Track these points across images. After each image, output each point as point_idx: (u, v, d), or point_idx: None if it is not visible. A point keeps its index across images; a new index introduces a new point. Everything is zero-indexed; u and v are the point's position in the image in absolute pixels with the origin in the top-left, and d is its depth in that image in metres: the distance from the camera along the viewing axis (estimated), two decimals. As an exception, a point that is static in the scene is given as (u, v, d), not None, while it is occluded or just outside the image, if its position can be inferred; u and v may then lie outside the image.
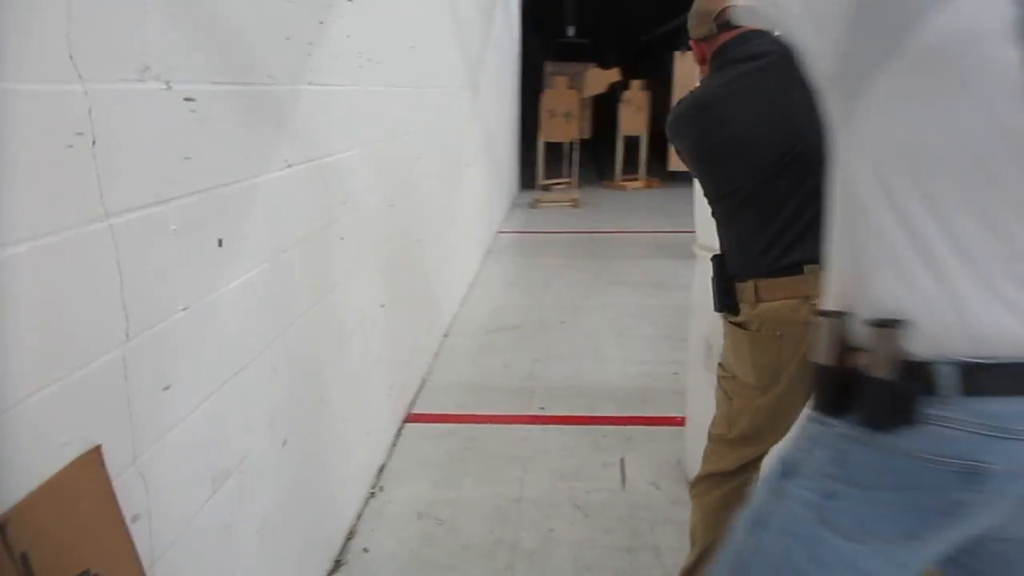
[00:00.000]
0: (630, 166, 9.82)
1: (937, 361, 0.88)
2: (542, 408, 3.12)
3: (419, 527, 2.28)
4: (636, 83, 9.33)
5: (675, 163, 6.30)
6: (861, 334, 0.93)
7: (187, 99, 1.29)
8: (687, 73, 7.61)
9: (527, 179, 9.56)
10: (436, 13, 3.74)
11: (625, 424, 2.94)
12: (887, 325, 0.90)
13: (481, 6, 5.39)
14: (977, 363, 0.87)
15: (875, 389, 0.91)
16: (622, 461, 2.66)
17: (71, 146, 1.01)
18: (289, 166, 1.76)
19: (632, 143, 9.61)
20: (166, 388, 1.24)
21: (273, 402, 1.69)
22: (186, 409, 1.30)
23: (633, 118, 9.33)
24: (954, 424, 0.88)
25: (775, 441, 1.62)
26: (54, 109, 0.98)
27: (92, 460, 1.03)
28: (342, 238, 2.17)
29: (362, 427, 2.43)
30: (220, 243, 1.42)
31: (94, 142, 1.05)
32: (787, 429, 1.52)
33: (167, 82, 1.23)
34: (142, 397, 1.16)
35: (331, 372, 2.11)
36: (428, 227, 3.56)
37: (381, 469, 2.62)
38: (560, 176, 9.41)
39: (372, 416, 2.56)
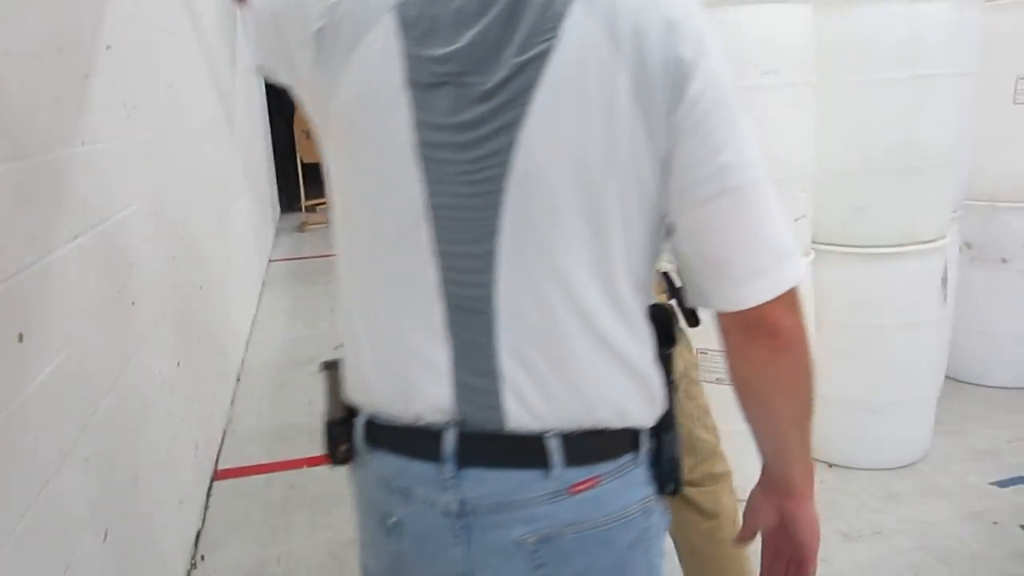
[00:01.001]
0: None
1: (357, 410, 0.89)
2: (356, 442, 3.07)
3: (254, 591, 2.19)
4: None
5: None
6: None
7: (-30, 187, 1.16)
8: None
9: (285, 202, 9.25)
10: (186, 47, 3.54)
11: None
12: (327, 369, 0.95)
13: (224, 31, 5.15)
14: (376, 421, 0.87)
15: (324, 427, 0.93)
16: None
17: None
18: (76, 237, 1.61)
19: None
20: (-13, 512, 1.11)
21: (89, 496, 1.55)
22: (5, 532, 1.17)
23: (389, 132, 9.32)
24: (369, 471, 0.90)
25: None
26: None
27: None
28: (133, 303, 2.02)
29: (174, 496, 2.27)
30: (20, 338, 1.29)
31: None
32: None
33: (-53, 172, 1.10)
34: (-35, 529, 1.04)
35: (139, 447, 1.96)
36: (208, 270, 3.37)
37: (198, 536, 2.47)
38: (321, 196, 9.21)
39: (182, 483, 2.40)
